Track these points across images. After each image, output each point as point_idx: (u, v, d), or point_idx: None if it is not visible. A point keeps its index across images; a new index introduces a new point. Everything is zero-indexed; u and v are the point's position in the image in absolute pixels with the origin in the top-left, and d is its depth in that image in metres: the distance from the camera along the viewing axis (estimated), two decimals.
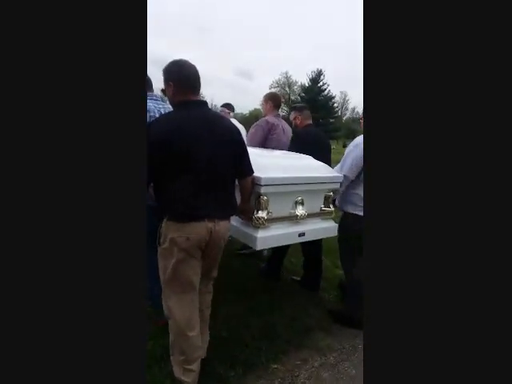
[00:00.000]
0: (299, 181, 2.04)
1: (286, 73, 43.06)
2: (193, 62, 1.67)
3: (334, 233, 2.31)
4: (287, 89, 40.84)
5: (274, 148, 2.92)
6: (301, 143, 2.70)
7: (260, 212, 1.95)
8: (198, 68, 1.68)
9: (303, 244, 2.95)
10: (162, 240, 1.61)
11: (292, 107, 3.11)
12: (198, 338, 1.73)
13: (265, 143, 2.93)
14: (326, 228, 2.25)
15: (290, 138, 3.03)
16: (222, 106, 4.43)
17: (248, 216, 1.98)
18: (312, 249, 2.85)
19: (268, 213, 1.97)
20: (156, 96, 2.15)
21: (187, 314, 1.68)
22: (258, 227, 1.96)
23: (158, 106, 2.11)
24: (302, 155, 2.34)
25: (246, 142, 3.06)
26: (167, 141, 1.50)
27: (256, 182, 1.88)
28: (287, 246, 2.92)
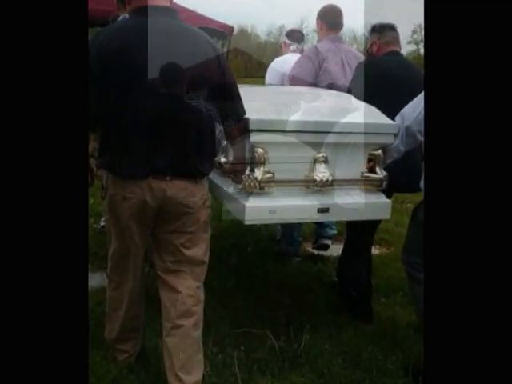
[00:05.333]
0: (318, 127, 1.35)
1: None
2: None
3: (385, 214, 1.52)
4: None
5: (327, 87, 2.05)
6: (366, 79, 1.68)
7: (254, 170, 1.37)
8: None
9: None
10: (103, 193, 1.35)
11: (371, 28, 1.98)
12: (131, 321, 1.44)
13: (316, 80, 2.09)
14: (368, 204, 1.48)
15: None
16: (286, 33, 3.12)
17: (239, 176, 1.42)
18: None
19: (265, 172, 1.37)
20: None
21: (118, 296, 1.40)
22: (251, 192, 1.38)
23: None
24: (338, 93, 1.60)
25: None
26: (100, 59, 1.21)
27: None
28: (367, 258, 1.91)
